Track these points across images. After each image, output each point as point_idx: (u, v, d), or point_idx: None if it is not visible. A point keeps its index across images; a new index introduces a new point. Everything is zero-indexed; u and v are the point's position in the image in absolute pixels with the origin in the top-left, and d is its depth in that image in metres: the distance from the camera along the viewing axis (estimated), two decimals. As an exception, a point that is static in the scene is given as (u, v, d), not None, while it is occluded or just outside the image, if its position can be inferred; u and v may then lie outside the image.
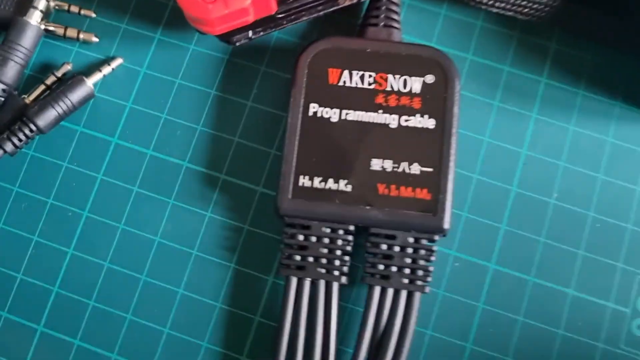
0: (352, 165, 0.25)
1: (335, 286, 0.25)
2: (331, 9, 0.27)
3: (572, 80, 0.28)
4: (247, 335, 0.26)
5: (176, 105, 0.28)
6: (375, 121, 0.26)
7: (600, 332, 0.26)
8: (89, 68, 0.28)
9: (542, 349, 0.26)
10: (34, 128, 0.27)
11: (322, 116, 0.26)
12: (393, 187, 0.25)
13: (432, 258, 0.25)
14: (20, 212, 0.27)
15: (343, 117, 0.26)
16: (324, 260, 0.25)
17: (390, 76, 0.26)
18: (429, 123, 0.26)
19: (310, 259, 0.25)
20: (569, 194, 0.27)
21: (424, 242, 0.25)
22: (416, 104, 0.26)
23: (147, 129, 0.28)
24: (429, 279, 0.25)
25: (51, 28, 0.28)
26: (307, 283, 0.25)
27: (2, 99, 0.27)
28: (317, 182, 0.25)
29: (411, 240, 0.25)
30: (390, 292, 0.25)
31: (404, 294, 0.25)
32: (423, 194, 0.25)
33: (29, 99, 0.27)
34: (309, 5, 0.26)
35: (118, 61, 0.28)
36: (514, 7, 0.28)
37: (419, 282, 0.25)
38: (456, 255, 0.27)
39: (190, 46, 0.29)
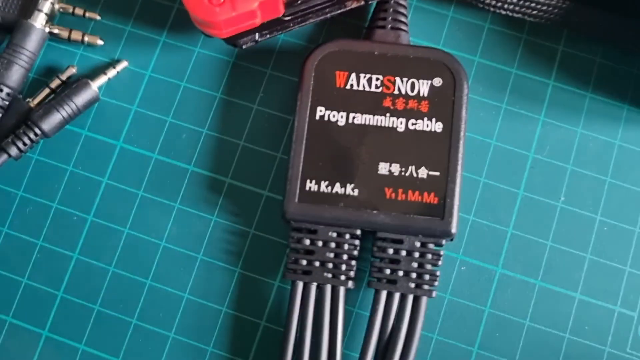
0: (359, 169, 0.25)
1: (341, 290, 0.25)
2: (338, 12, 0.27)
3: (580, 83, 0.28)
4: (252, 340, 0.26)
5: (181, 108, 0.28)
6: (382, 125, 0.26)
7: (607, 335, 0.26)
8: (93, 71, 0.28)
9: (549, 353, 0.26)
10: (38, 132, 0.26)
11: (329, 120, 0.26)
12: (400, 191, 0.25)
13: (439, 262, 0.25)
14: (25, 216, 0.27)
15: (350, 120, 0.26)
16: (330, 265, 0.25)
17: (397, 79, 0.26)
18: (437, 126, 0.26)
19: (317, 264, 0.25)
20: (576, 197, 0.27)
21: (431, 246, 0.25)
22: (424, 107, 0.26)
23: (153, 133, 0.28)
24: (436, 283, 0.25)
25: (56, 31, 0.28)
26: (313, 287, 0.25)
27: (7, 102, 0.27)
28: (323, 187, 0.25)
29: (418, 244, 0.25)
30: (396, 296, 0.25)
31: (410, 299, 0.25)
32: (430, 198, 0.25)
33: (33, 102, 0.27)
34: (316, 8, 0.26)
35: (123, 64, 0.28)
36: (522, 9, 0.27)
37: (426, 287, 0.25)
38: (463, 259, 0.27)
39: (196, 49, 0.28)
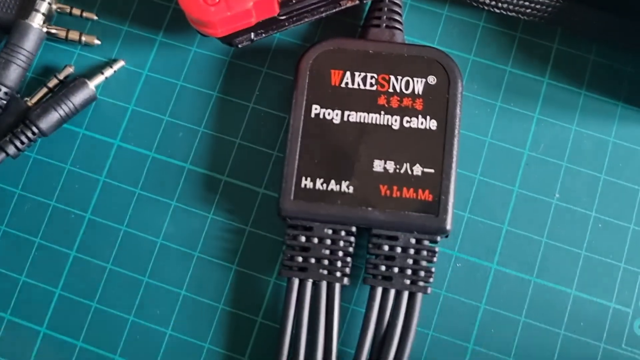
0: (354, 167, 0.25)
1: (337, 287, 0.25)
2: (333, 11, 0.27)
3: (574, 81, 0.28)
4: (249, 336, 0.26)
5: (178, 107, 0.28)
6: (377, 122, 0.26)
7: (602, 332, 0.26)
8: (91, 70, 0.28)
9: (544, 349, 0.26)
10: (36, 131, 0.27)
11: (324, 118, 0.26)
12: (395, 188, 0.25)
13: (434, 259, 0.25)
14: (23, 214, 0.27)
15: (345, 118, 0.26)
16: (325, 262, 0.25)
17: (392, 77, 0.26)
18: (431, 124, 0.26)
19: (312, 260, 0.25)
20: (571, 194, 0.27)
21: (426, 243, 0.25)
22: (418, 105, 0.26)
23: (149, 131, 0.28)
24: (431, 279, 0.25)
25: (53, 31, 0.28)
26: (309, 284, 0.25)
27: (5, 102, 0.27)
28: (319, 184, 0.25)
29: (413, 241, 0.25)
30: (392, 293, 0.25)
31: (405, 295, 0.25)
32: (425, 195, 0.25)
33: (31, 101, 0.27)
34: (311, 7, 0.26)
35: (120, 63, 0.28)
36: (516, 8, 0.28)
37: (421, 283, 0.25)
38: (458, 255, 0.27)
39: (192, 48, 0.29)
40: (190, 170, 0.28)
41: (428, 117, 0.26)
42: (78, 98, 0.27)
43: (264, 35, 0.27)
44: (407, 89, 0.26)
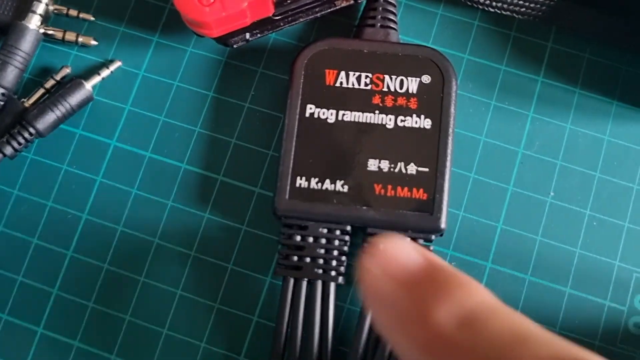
0: (348, 166, 0.25)
1: (332, 286, 0.25)
2: (328, 10, 0.27)
3: (569, 79, 0.28)
4: (245, 335, 0.26)
5: (174, 107, 0.28)
6: (371, 122, 0.26)
7: (597, 330, 0.26)
8: (87, 71, 0.28)
9: (540, 347, 0.26)
10: (33, 131, 0.27)
11: (319, 117, 0.26)
12: (389, 187, 0.25)
13: (429, 258, 0.25)
14: (20, 215, 0.27)
15: (340, 118, 0.26)
16: (320, 261, 0.25)
17: (387, 77, 0.26)
18: (426, 123, 0.26)
19: (307, 259, 0.25)
20: (566, 193, 0.27)
21: (421, 241, 0.25)
22: (413, 104, 0.26)
23: (146, 131, 0.28)
24: (426, 278, 0.25)
25: (50, 32, 0.28)
26: (304, 283, 0.25)
27: (2, 102, 0.27)
28: (314, 183, 0.25)
29: (408, 240, 0.25)
30: (387, 291, 0.25)
31: (401, 294, 0.25)
32: (419, 193, 0.25)
33: (28, 102, 0.28)
34: (306, 7, 0.27)
35: (116, 64, 0.28)
36: (510, 7, 0.28)
37: (416, 282, 0.25)
38: (453, 254, 0.27)
39: (188, 48, 0.29)
40: (187, 170, 0.28)
41: (422, 116, 0.26)
42: (75, 99, 0.27)
43: (259, 35, 0.27)
44: (401, 88, 0.26)
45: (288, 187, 0.25)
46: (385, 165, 0.25)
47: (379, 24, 0.27)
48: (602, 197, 0.27)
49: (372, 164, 0.25)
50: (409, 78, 0.26)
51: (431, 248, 0.25)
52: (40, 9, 0.28)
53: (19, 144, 0.27)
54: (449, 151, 0.25)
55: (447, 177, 0.25)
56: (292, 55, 0.27)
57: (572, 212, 0.27)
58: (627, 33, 0.27)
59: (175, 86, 0.28)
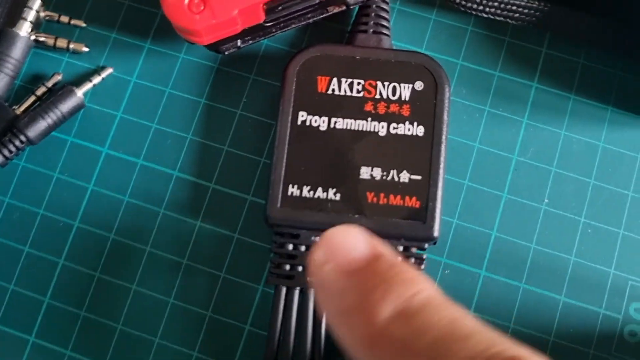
0: (341, 174, 0.25)
1: (324, 295, 0.25)
2: (320, 16, 0.27)
3: (563, 85, 0.28)
4: (237, 344, 0.26)
5: (166, 114, 0.28)
6: (364, 129, 0.26)
7: (592, 338, 0.26)
8: (79, 78, 0.28)
9: (535, 355, 0.26)
10: (24, 139, 0.27)
11: (311, 125, 0.26)
12: (382, 195, 0.25)
13: (422, 266, 0.25)
14: (12, 223, 0.27)
15: (332, 125, 0.26)
16: (313, 269, 0.25)
17: (379, 83, 0.26)
18: (418, 130, 0.26)
19: (300, 268, 0.25)
20: (560, 200, 0.27)
21: (414, 250, 0.25)
22: (405, 111, 0.26)
23: (138, 139, 0.28)
24: (419, 287, 0.25)
25: (41, 39, 0.28)
26: (296, 292, 0.25)
27: (-8, 110, 0.27)
28: (305, 191, 0.25)
29: (401, 248, 0.25)
30: (380, 300, 0.25)
31: (394, 302, 0.25)
32: (412, 202, 0.25)
33: (19, 110, 0.27)
34: (298, 13, 0.26)
35: (108, 71, 0.28)
36: (504, 12, 0.27)
37: (409, 291, 0.25)
38: (446, 262, 0.27)
39: (180, 55, 0.29)
40: (178, 178, 0.27)
41: (415, 124, 0.26)
42: (66, 106, 0.27)
43: (250, 42, 0.27)
44: (394, 95, 0.26)
45: (280, 196, 0.25)
46: (377, 173, 0.25)
47: (371, 30, 0.27)
48: (597, 204, 0.27)
49: (365, 172, 0.25)
50: (402, 85, 0.26)
51: (425, 256, 0.25)
52: (31, 15, 0.28)
53: (10, 151, 0.27)
54: (441, 159, 0.25)
55: (440, 185, 0.25)
56: (284, 61, 0.26)
57: (566, 219, 0.27)
58: (621, 39, 0.27)
59: (167, 93, 0.28)
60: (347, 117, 0.26)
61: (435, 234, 0.25)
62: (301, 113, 0.26)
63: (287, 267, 0.25)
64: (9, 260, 0.27)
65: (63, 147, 0.28)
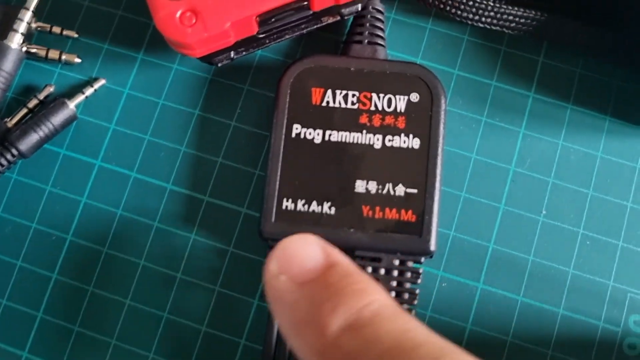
0: (335, 188, 0.25)
1: (320, 310, 0.25)
2: (314, 27, 0.27)
3: (561, 95, 0.28)
4: (232, 359, 0.26)
5: (160, 126, 0.28)
6: (359, 142, 0.25)
7: (591, 351, 0.26)
8: (71, 89, 0.28)
9: (533, 367, 0.26)
10: (15, 153, 0.26)
11: (305, 137, 0.25)
12: (377, 209, 0.25)
13: (419, 280, 0.25)
14: (4, 237, 0.27)
15: (326, 138, 0.25)
16: (308, 284, 0.25)
17: (374, 95, 0.26)
18: (414, 143, 0.25)
19: (294, 283, 0.25)
20: (558, 211, 0.27)
21: (410, 264, 0.25)
22: (401, 123, 0.25)
23: (131, 151, 0.28)
24: (415, 301, 0.25)
25: (33, 50, 0.28)
26: (291, 307, 0.25)
27: (-16, 123, 0.27)
28: (300, 205, 0.25)
29: (397, 262, 0.25)
30: (376, 315, 0.25)
31: (390, 317, 0.25)
32: (408, 215, 0.25)
33: (10, 122, 0.27)
34: (291, 24, 0.26)
35: (101, 82, 0.28)
36: (501, 22, 0.27)
37: (405, 305, 0.25)
38: (443, 275, 0.27)
39: (173, 66, 0.28)
40: (172, 191, 0.27)
41: (411, 136, 0.25)
42: (58, 118, 0.27)
43: (244, 53, 0.27)
44: (389, 107, 0.26)
45: (274, 210, 0.25)
46: (373, 186, 0.25)
47: (366, 40, 0.27)
48: (595, 215, 0.27)
49: (360, 186, 0.25)
50: (397, 96, 0.26)
51: (421, 270, 0.25)
52: (23, 27, 0.27)
53: (2, 165, 0.26)
54: (438, 172, 0.25)
55: (436, 198, 0.25)
56: (278, 71, 0.26)
57: (564, 231, 0.27)
58: (620, 47, 0.27)
59: (161, 104, 0.28)
60: (341, 130, 0.25)
61: (432, 247, 0.25)
62: (295, 125, 0.25)
63: (282, 281, 0.25)
64: (1, 275, 0.27)
65: (55, 160, 0.28)
